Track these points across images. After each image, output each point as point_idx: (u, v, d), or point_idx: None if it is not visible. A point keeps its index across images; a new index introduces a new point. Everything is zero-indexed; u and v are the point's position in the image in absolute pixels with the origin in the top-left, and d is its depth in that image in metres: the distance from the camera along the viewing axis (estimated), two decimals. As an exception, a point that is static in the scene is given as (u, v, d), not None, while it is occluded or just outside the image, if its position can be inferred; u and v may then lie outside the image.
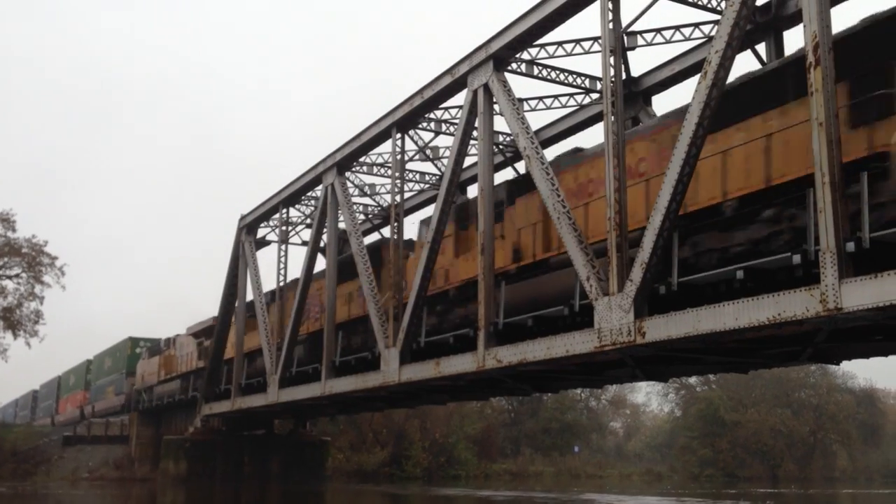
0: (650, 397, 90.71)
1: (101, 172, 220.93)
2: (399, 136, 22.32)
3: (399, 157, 22.50)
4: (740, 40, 12.19)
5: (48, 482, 43.64)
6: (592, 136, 34.81)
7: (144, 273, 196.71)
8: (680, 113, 13.73)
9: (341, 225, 25.77)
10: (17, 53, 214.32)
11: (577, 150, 17.68)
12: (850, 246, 10.39)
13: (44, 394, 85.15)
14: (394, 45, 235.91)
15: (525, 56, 18.71)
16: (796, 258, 11.32)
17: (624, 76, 17.06)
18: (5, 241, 47.64)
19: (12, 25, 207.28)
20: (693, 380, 65.70)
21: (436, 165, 26.42)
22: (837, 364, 18.03)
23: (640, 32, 17.83)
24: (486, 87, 17.95)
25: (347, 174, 26.37)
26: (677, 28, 17.58)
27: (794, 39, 17.25)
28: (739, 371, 19.12)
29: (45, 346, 51.86)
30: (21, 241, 48.06)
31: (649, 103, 19.89)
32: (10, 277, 48.47)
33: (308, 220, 32.11)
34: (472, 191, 25.30)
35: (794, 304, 10.86)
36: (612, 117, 14.17)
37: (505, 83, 17.59)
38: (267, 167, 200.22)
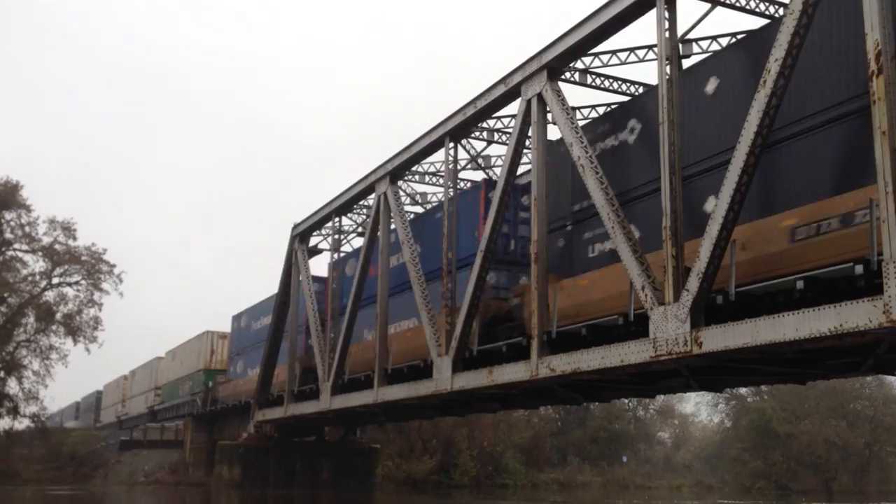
0: (699, 407, 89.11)
1: (144, 173, 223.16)
2: (452, 145, 22.49)
3: (451, 166, 22.66)
4: (800, 49, 12.10)
5: (106, 485, 44.61)
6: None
7: (189, 274, 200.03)
8: None
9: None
10: (58, 50, 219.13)
11: None
12: (915, 256, 10.27)
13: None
14: (447, 49, 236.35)
15: (579, 65, 18.76)
16: (858, 268, 11.18)
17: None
18: (66, 250, 48.89)
19: (54, 23, 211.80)
20: (744, 390, 64.61)
21: (487, 174, 26.52)
22: (898, 375, 17.74)
23: (696, 40, 17.74)
24: (539, 96, 17.99)
25: (399, 183, 26.60)
26: (733, 35, 17.43)
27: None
28: (797, 382, 18.89)
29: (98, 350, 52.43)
30: (81, 249, 49.31)
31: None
32: (70, 284, 49.75)
33: (360, 229, 32.46)
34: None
35: (856, 315, 10.75)
36: (668, 125, 14.15)
37: (559, 92, 17.62)
38: (315, 165, 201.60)
